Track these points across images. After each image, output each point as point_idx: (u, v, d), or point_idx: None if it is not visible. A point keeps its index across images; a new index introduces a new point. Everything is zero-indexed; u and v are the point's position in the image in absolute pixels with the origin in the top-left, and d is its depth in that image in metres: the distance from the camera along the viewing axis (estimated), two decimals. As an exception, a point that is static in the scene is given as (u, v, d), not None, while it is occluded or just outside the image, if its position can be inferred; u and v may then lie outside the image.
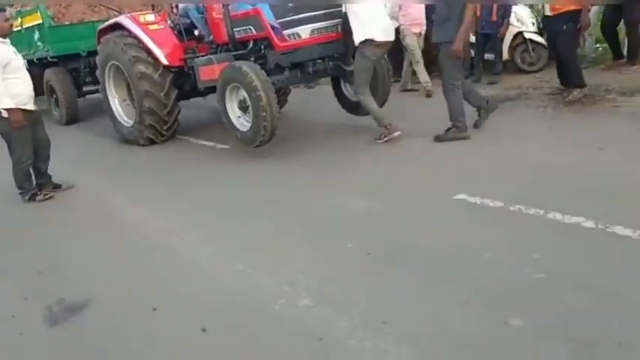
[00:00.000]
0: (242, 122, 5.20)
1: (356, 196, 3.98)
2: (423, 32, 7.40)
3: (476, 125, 5.20)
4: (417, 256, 2.99)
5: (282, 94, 6.94)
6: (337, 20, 5.27)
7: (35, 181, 5.04)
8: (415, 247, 3.10)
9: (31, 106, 4.78)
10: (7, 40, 4.77)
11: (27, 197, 4.93)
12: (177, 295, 2.95)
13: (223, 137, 5.75)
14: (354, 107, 6.01)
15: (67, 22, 8.42)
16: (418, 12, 7.35)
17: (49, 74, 8.71)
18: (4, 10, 5.02)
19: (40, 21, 8.22)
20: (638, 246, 2.78)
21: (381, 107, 5.53)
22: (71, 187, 5.15)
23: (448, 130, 5.07)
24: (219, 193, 4.56)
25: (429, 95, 7.28)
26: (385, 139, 5.22)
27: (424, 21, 7.33)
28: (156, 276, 3.21)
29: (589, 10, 5.84)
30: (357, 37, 4.98)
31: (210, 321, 2.63)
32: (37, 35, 8.41)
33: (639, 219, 2.99)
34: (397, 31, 8.24)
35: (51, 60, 8.43)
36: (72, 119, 8.79)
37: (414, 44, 7.39)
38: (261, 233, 3.61)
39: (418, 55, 7.42)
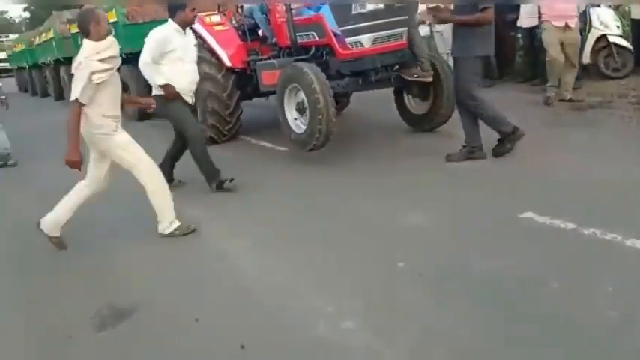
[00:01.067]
0: (298, 124, 5.14)
1: (413, 210, 3.77)
2: (573, 25, 6.28)
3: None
4: (475, 282, 2.75)
5: (342, 95, 6.80)
6: (402, 29, 5.08)
7: None
8: (473, 271, 2.86)
9: (188, 99, 4.55)
10: (187, 32, 4.56)
11: (214, 186, 4.63)
12: (221, 306, 2.88)
13: (282, 139, 5.68)
14: (416, 121, 5.85)
15: (140, 21, 8.66)
16: (563, 3, 6.27)
17: (123, 72, 8.97)
18: None
19: (115, 19, 8.51)
20: None
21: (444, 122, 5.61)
22: (183, 184, 4.95)
23: (501, 139, 4.66)
24: (272, 199, 4.48)
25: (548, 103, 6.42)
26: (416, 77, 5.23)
27: (574, 12, 6.32)
28: (202, 284, 3.16)
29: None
30: None
31: (249, 337, 2.54)
32: (112, 33, 8.69)
33: None
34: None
35: (125, 58, 8.68)
36: (143, 116, 9.06)
37: (547, 41, 6.34)
38: (309, 247, 3.47)
39: (551, 53, 6.36)
